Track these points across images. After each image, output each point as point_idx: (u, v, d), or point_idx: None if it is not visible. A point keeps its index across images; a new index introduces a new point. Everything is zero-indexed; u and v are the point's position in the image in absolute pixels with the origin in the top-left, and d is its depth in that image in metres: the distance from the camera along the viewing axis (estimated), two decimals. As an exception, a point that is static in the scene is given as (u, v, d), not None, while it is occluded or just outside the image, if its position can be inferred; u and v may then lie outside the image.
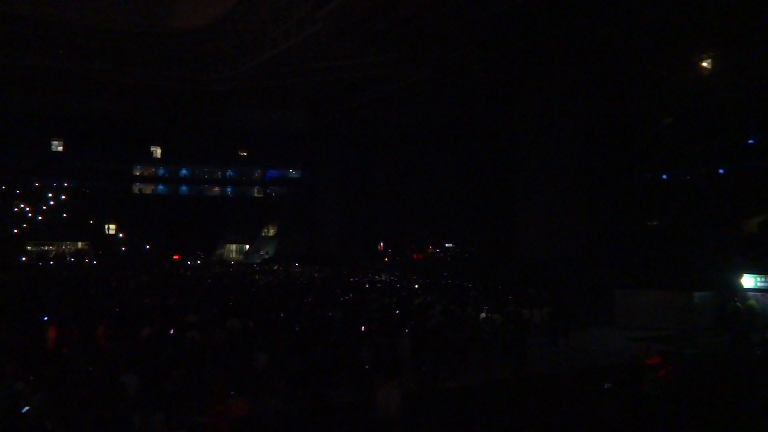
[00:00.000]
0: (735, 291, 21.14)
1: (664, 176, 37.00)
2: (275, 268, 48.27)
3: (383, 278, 36.78)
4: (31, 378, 9.27)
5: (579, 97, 35.37)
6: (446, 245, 56.61)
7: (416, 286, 29.39)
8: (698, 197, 32.39)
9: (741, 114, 31.56)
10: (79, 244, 60.95)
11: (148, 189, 71.26)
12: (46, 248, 58.64)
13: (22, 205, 58.43)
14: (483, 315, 17.85)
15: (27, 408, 8.27)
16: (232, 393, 9.06)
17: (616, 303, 22.13)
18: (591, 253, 32.18)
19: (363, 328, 14.88)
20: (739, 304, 20.21)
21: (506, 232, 40.15)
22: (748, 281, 21.51)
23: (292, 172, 74.37)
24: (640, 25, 32.13)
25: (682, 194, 33.84)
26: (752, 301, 20.59)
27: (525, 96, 38.47)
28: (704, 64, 33.29)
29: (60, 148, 66.91)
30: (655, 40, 32.30)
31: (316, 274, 39.60)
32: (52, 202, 61.27)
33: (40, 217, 58.48)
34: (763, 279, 21.14)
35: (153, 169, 71.86)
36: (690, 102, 33.39)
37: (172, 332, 13.85)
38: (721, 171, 34.08)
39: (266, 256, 63.29)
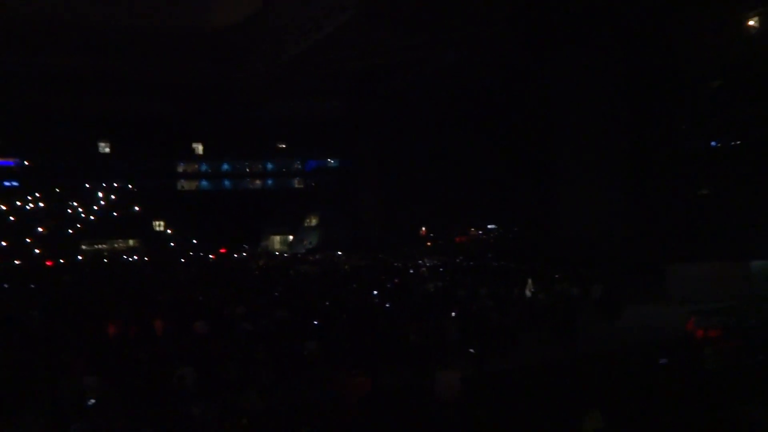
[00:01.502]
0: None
1: (713, 143, 35.44)
2: (317, 257, 48.81)
3: (426, 263, 36.75)
4: (102, 374, 9.66)
5: (618, 63, 34.18)
6: (489, 227, 56.02)
7: (460, 269, 29.26)
8: (750, 163, 30.95)
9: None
10: (131, 242, 63.11)
11: (192, 185, 73.04)
12: (100, 247, 60.92)
13: (74, 204, 61.07)
14: (529, 295, 17.66)
15: (93, 401, 8.66)
16: (355, 371, 9.19)
17: (669, 277, 21.45)
18: (639, 226, 31.30)
19: (409, 314, 14.90)
20: (798, 271, 19.34)
21: (549, 209, 39.43)
22: (807, 248, 20.57)
23: (332, 162, 74.74)
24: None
25: (733, 161, 32.39)
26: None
27: (561, 67, 37.50)
28: (751, 22, 31.59)
29: (107, 150, 69.29)
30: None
31: (361, 262, 39.86)
32: (102, 203, 63.72)
33: (92, 218, 60.92)
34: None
35: (196, 166, 73.52)
36: (738, 63, 31.79)
37: (224, 324, 14.21)
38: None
39: (310, 246, 64.03)
